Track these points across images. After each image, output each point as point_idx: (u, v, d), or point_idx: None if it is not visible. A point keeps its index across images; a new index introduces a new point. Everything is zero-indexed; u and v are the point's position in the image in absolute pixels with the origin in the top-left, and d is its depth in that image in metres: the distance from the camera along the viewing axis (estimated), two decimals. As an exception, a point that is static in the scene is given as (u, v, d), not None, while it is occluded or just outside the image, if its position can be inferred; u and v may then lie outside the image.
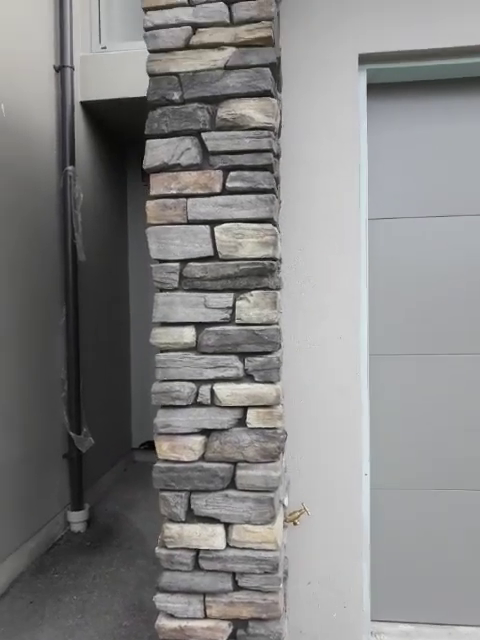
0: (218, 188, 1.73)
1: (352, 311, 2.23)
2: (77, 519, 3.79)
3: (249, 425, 1.75)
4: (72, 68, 3.75)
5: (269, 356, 1.75)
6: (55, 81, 3.73)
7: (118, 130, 4.52)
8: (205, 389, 1.76)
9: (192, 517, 1.79)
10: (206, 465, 1.77)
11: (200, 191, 1.73)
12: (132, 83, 3.74)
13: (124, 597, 2.97)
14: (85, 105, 4.02)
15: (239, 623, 1.79)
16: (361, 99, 2.22)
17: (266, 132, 1.70)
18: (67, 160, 3.69)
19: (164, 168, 1.75)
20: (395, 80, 2.30)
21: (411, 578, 2.47)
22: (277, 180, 1.90)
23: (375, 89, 2.28)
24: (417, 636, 2.43)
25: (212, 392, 1.75)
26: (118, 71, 3.91)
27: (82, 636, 2.62)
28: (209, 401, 1.76)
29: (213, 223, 1.73)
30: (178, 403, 1.76)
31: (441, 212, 2.39)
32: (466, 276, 2.38)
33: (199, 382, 1.76)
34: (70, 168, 3.67)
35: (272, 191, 1.72)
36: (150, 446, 5.07)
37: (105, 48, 4.08)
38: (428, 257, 2.40)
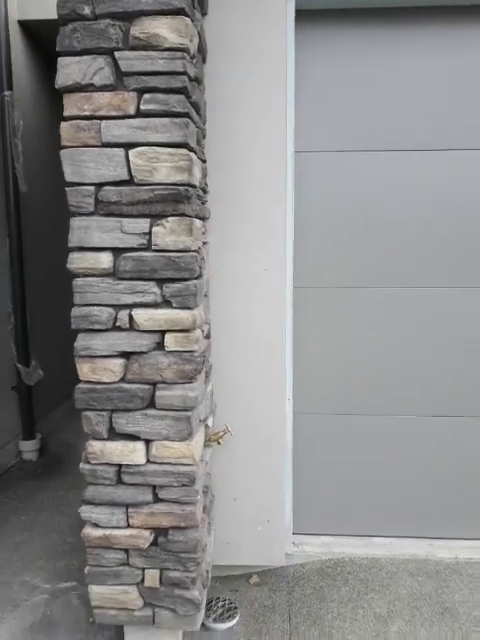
0: (132, 110, 1.70)
1: (277, 243, 2.28)
2: (28, 448, 3.89)
3: (167, 348, 1.81)
4: (6, -17, 3.52)
5: (186, 283, 1.79)
6: (-12, -3, 3.50)
7: (63, 54, 4.30)
8: (123, 314, 1.80)
9: (114, 435, 1.88)
10: (126, 386, 1.84)
11: (114, 113, 1.71)
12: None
13: (70, 517, 3.11)
14: (23, 25, 3.80)
15: (160, 531, 1.92)
16: (289, 25, 2.17)
17: (180, 54, 1.67)
18: (4, 85, 3.52)
19: (77, 88, 1.70)
20: (327, 7, 2.25)
21: (331, 495, 2.65)
22: (197, 105, 1.88)
23: (305, 16, 2.23)
24: (336, 546, 2.65)
25: (131, 317, 1.80)
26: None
27: (27, 551, 2.77)
28: (128, 325, 1.80)
29: (127, 146, 1.72)
30: (97, 327, 1.80)
31: (368, 146, 2.41)
32: (391, 210, 2.43)
33: (117, 307, 1.80)
34: (7, 93, 3.51)
35: (186, 115, 1.71)
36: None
37: (43, -38, 3.81)
38: (355, 191, 2.43)
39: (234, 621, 2.21)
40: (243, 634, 2.17)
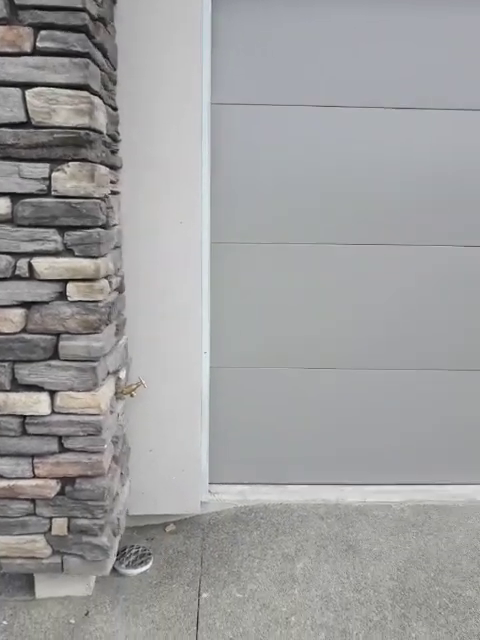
0: (28, 47, 1.62)
1: (193, 197, 2.27)
2: None
3: (70, 298, 1.79)
4: None
5: (89, 230, 1.76)
6: None
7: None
8: (23, 262, 1.75)
9: (17, 386, 1.85)
10: (28, 336, 1.81)
11: (8, 49, 1.62)
12: None
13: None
14: None
15: (67, 480, 1.94)
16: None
17: (79, -13, 1.60)
18: None
19: (-34, 20, 1.60)
20: None
21: (249, 445, 2.74)
22: (102, 47, 1.81)
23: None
24: (252, 494, 2.75)
25: (30, 266, 1.75)
26: None
27: None
28: (28, 274, 1.76)
29: (24, 86, 1.64)
30: (-5, 276, 1.75)
31: (293, 101, 2.40)
32: (313, 166, 2.46)
33: (16, 255, 1.75)
34: None
35: (87, 55, 1.65)
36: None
37: None
38: (277, 146, 2.43)
39: (147, 566, 2.28)
40: (155, 577, 2.24)
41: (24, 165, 1.70)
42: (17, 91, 1.65)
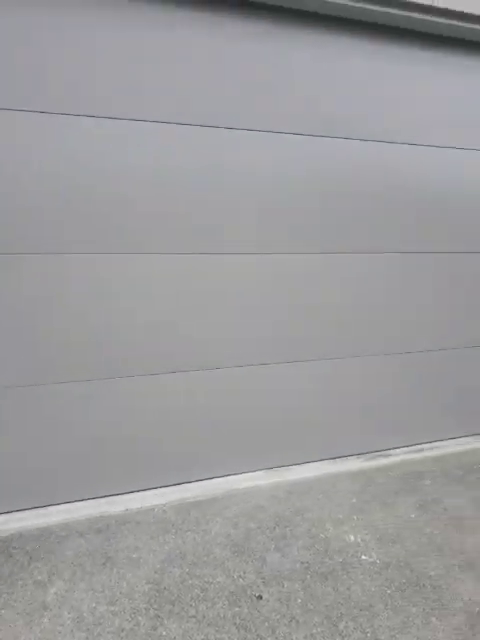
0: None
1: None
2: None
3: None
4: None
5: None
6: None
7: None
8: None
9: None
10: None
11: None
12: None
13: None
14: None
15: None
16: None
17: None
18: None
19: None
20: None
21: (4, 472, 2.55)
22: None
23: None
24: (7, 523, 2.57)
25: None
26: None
27: None
28: None
29: None
30: None
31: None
32: (33, 172, 2.39)
33: None
34: None
35: None
36: None
37: None
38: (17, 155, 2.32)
39: None
40: None
41: None
42: None
